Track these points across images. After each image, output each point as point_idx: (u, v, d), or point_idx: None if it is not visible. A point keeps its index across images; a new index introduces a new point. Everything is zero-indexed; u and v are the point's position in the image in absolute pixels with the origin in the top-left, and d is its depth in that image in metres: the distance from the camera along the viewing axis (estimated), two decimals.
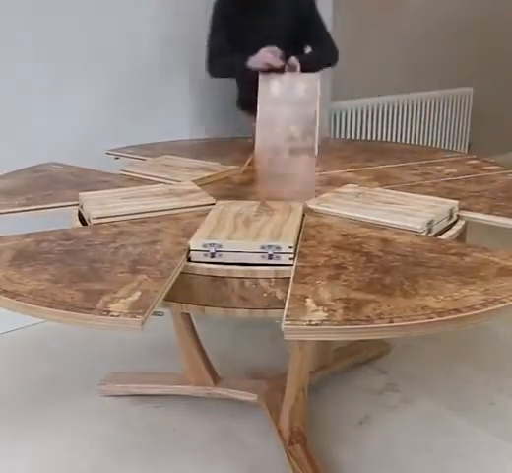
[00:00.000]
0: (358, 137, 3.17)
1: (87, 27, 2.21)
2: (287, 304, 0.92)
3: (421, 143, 3.46)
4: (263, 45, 2.01)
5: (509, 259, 1.07)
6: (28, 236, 1.23)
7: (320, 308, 0.90)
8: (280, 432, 1.58)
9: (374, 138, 3.23)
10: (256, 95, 1.95)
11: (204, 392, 1.78)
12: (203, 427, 1.70)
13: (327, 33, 2.25)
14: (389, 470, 1.54)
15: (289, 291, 0.96)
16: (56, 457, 1.60)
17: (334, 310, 0.89)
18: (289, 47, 2.13)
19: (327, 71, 2.82)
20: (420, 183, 1.57)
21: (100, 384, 1.85)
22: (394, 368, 1.96)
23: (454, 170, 1.71)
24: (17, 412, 1.79)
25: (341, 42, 2.57)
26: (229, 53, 2.12)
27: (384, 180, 1.61)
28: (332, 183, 1.57)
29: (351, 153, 1.99)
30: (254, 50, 2.01)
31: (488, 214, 1.31)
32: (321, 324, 0.86)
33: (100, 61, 2.27)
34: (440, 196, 1.42)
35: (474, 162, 1.81)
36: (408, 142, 3.37)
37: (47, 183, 1.64)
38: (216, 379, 1.78)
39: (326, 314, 0.88)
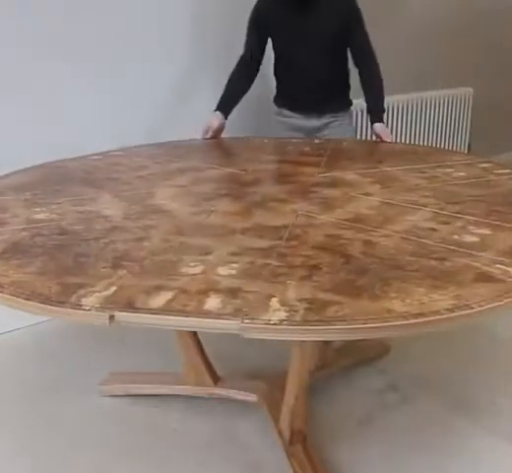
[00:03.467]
0: (358, 137, 3.16)
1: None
2: (251, 303, 0.92)
3: (421, 143, 3.46)
4: (308, 51, 2.14)
5: (491, 265, 1.05)
6: (24, 229, 1.26)
7: (283, 308, 0.90)
8: (280, 432, 1.58)
9: (374, 138, 3.22)
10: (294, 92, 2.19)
11: (204, 392, 1.78)
12: (203, 427, 1.70)
13: (370, 46, 2.19)
14: (389, 470, 1.54)
15: (259, 290, 0.96)
16: (56, 457, 1.59)
17: (296, 311, 0.89)
18: (333, 54, 2.18)
19: None
20: (424, 186, 1.55)
21: (100, 384, 1.85)
22: (394, 368, 1.96)
23: (463, 174, 1.67)
24: (16, 412, 1.79)
25: None
26: (234, 79, 2.23)
27: (387, 183, 1.59)
28: (334, 185, 1.57)
29: (361, 154, 1.98)
30: (290, 58, 2.18)
31: (483, 219, 1.30)
32: (279, 324, 0.86)
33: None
34: (438, 199, 1.42)
35: (485, 165, 1.77)
36: (407, 142, 3.37)
37: (58, 179, 1.67)
38: (216, 379, 1.78)
39: (287, 314, 0.88)
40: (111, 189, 1.56)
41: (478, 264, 1.05)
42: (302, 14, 2.11)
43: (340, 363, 1.91)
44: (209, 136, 2.17)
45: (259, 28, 2.18)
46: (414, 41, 3.42)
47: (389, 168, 1.75)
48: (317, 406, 1.76)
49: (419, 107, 3.39)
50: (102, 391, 1.84)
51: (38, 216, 1.35)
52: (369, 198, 1.45)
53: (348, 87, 2.34)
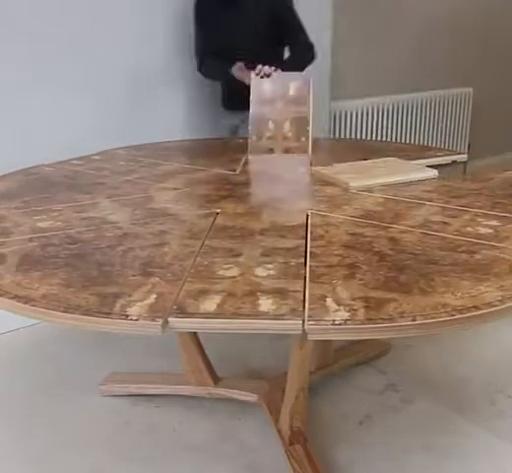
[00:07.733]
0: (358, 137, 3.17)
1: (85, 27, 2.21)
2: (306, 303, 0.92)
3: (421, 143, 3.46)
4: (241, 44, 2.15)
5: None
6: (31, 239, 1.22)
7: (341, 308, 0.89)
8: (280, 432, 1.58)
9: (374, 138, 3.23)
10: (243, 95, 1.99)
11: (204, 392, 1.78)
12: (203, 427, 1.70)
13: (302, 29, 2.22)
14: (389, 470, 1.54)
15: (307, 290, 0.96)
16: (56, 457, 1.60)
17: (355, 310, 0.89)
18: (269, 44, 2.19)
19: (326, 71, 2.82)
20: (417, 181, 1.57)
21: (100, 384, 1.85)
22: (394, 368, 1.97)
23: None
24: (17, 412, 1.79)
25: (340, 43, 2.57)
26: (217, 57, 2.21)
27: None
28: (326, 183, 1.57)
29: (342, 152, 1.99)
30: (232, 51, 2.15)
31: (489, 211, 1.32)
32: (344, 324, 0.86)
33: (96, 63, 2.27)
34: (440, 194, 1.44)
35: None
36: (407, 142, 3.37)
37: (42, 186, 1.62)
38: (216, 379, 1.78)
39: (348, 314, 0.87)
40: (103, 194, 1.52)
41: (505, 256, 1.07)
42: (232, 11, 2.15)
43: (340, 363, 1.91)
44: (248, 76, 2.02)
45: (202, 24, 2.23)
46: (414, 41, 3.42)
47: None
48: (317, 406, 1.76)
49: (420, 107, 3.39)
50: (103, 391, 1.84)
51: (42, 224, 1.31)
52: (371, 195, 1.45)
53: None
